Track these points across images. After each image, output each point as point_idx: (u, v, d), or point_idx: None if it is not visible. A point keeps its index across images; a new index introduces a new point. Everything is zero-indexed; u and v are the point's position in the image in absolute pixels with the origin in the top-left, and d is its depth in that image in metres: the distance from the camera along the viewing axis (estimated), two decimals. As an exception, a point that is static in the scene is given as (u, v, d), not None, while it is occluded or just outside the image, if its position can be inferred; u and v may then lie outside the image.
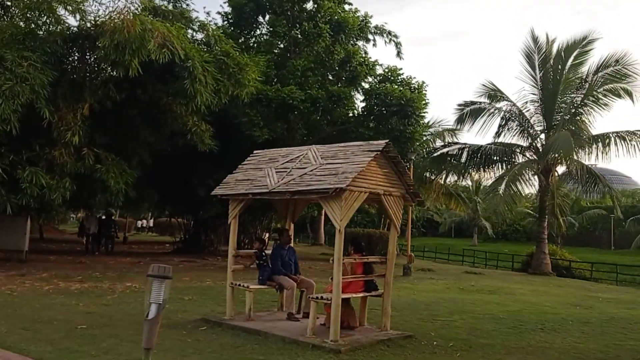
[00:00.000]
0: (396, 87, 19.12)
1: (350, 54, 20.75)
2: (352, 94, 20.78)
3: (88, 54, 14.87)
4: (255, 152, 10.41)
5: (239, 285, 9.48)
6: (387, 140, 8.62)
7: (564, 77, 24.19)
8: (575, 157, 23.78)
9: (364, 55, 20.88)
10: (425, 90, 19.44)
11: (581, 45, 23.86)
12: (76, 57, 15.38)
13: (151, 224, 53.49)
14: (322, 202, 8.15)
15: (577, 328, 10.37)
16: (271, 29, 20.43)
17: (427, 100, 18.99)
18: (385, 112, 19.05)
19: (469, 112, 24.60)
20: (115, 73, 14.22)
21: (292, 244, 10.16)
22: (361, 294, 8.73)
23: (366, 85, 20.89)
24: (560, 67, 24.16)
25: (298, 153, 9.33)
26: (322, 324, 8.73)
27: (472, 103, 24.82)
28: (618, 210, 27.54)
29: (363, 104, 21.19)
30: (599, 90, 23.60)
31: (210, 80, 14.93)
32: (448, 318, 10.83)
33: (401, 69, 20.12)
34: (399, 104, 18.53)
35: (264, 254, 9.79)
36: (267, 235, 29.67)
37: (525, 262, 27.94)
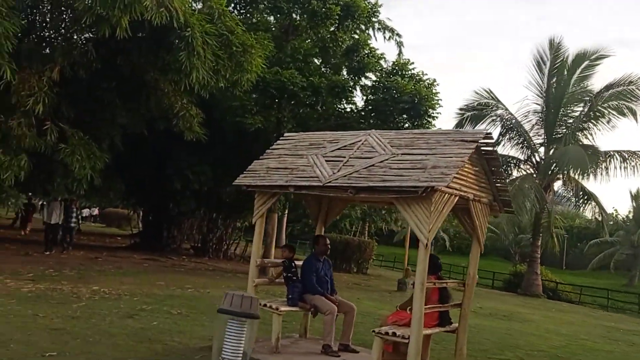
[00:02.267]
0: (408, 81, 17.23)
1: (358, 43, 18.72)
2: (357, 86, 18.72)
3: (65, 5, 12.17)
4: (286, 135, 8.26)
5: (265, 305, 7.25)
6: (486, 130, 6.65)
7: (569, 89, 22.96)
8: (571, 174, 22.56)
9: (371, 45, 18.92)
10: (436, 89, 17.69)
11: (591, 59, 22.67)
12: (48, 8, 12.62)
13: (94, 213, 49.81)
14: (400, 205, 6.07)
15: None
16: (272, 4, 18.12)
17: (439, 100, 17.24)
18: (392, 108, 17.14)
19: (469, 118, 23.10)
20: (95, 33, 11.69)
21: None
22: (436, 328, 6.67)
23: (372, 78, 18.89)
24: (566, 78, 22.92)
25: (352, 138, 7.23)
26: (374, 364, 6.62)
27: (474, 108, 23.32)
28: (606, 233, 26.55)
29: (364, 98, 19.21)
30: (603, 106, 22.48)
31: (210, 56, 12.49)
32: (501, 356, 8.93)
33: (412, 63, 18.32)
34: (411, 101, 16.66)
35: (293, 265, 7.61)
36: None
37: (509, 280, 26.61)
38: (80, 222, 18.27)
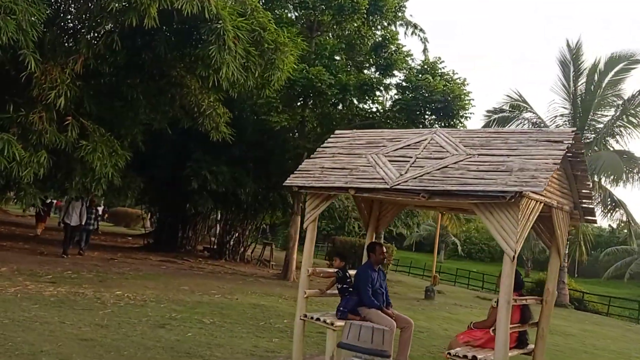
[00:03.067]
0: (439, 80, 16.53)
1: (387, 38, 18.04)
2: (387, 83, 18.00)
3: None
4: (337, 132, 7.59)
5: (318, 319, 6.58)
6: (574, 129, 5.99)
7: (599, 93, 22.21)
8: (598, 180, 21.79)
9: (400, 41, 18.20)
10: (467, 89, 16.94)
11: (625, 62, 21.89)
12: (73, -4, 11.98)
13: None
14: (481, 212, 5.41)
15: None
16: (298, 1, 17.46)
17: (471, 100, 16.52)
18: (423, 108, 16.46)
19: (496, 120, 22.43)
20: (121, 23, 11.02)
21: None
22: (514, 350, 5.98)
23: (400, 77, 18.20)
24: (597, 81, 22.18)
25: (416, 137, 6.57)
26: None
27: (501, 111, 22.67)
28: (634, 241, 25.72)
29: (390, 97, 18.57)
30: (637, 110, 21.70)
31: (241, 51, 11.82)
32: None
33: (443, 61, 17.62)
34: (443, 100, 15.98)
35: (348, 275, 6.95)
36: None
37: (532, 289, 25.76)
38: (98, 222, 17.36)
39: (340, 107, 18.35)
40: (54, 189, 16.39)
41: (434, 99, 16.29)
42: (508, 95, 23.12)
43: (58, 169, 13.88)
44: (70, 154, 12.86)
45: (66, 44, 11.90)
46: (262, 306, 11.37)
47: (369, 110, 18.96)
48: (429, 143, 6.34)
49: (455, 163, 5.79)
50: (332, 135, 7.47)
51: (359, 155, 6.63)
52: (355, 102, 18.70)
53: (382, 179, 5.95)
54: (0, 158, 11.04)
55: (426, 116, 16.88)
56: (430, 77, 16.66)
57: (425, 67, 17.45)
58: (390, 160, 6.26)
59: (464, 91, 16.71)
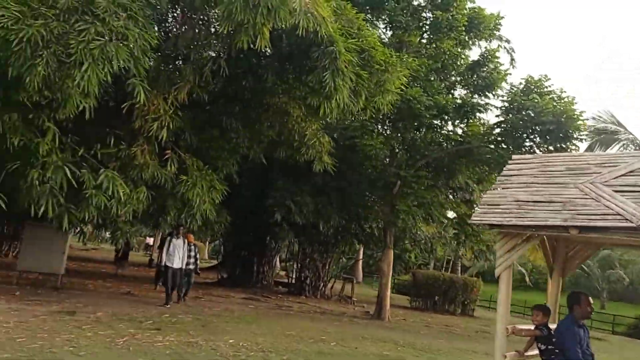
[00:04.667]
0: (549, 99, 15.13)
1: (486, 56, 16.81)
2: (485, 104, 16.67)
3: (200, 12, 10.67)
4: (515, 157, 6.43)
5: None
6: None
7: None
8: None
9: (499, 59, 16.88)
10: (577, 108, 15.41)
11: None
12: (178, 15, 11.23)
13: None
14: None
15: None
16: (390, 18, 16.41)
17: (585, 120, 14.96)
18: (530, 130, 15.08)
19: (599, 142, 20.78)
20: (229, 47, 10.25)
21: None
22: None
23: (499, 96, 16.79)
24: None
25: (638, 161, 5.33)
26: None
27: (605, 131, 21.02)
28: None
29: (488, 119, 17.21)
30: None
31: (352, 74, 10.87)
32: None
33: (549, 79, 16.17)
34: (555, 121, 14.57)
35: (552, 333, 5.69)
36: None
37: (635, 325, 23.64)
38: (197, 263, 15.26)
39: (424, 130, 17.05)
40: (147, 225, 15.65)
41: (543, 121, 14.88)
42: (598, 117, 21.44)
43: (150, 204, 13.22)
44: (169, 189, 12.15)
45: (168, 72, 11.20)
46: (388, 357, 10.12)
47: (463, 134, 17.64)
48: (660, 168, 5.10)
49: None
50: (510, 162, 6.31)
51: (564, 185, 5.43)
52: (450, 125, 17.47)
53: (619, 214, 4.72)
54: (101, 196, 10.37)
55: (534, 139, 15.44)
56: (537, 97, 15.28)
57: (530, 85, 16.05)
58: (615, 191, 5.04)
59: (577, 111, 15.21)
